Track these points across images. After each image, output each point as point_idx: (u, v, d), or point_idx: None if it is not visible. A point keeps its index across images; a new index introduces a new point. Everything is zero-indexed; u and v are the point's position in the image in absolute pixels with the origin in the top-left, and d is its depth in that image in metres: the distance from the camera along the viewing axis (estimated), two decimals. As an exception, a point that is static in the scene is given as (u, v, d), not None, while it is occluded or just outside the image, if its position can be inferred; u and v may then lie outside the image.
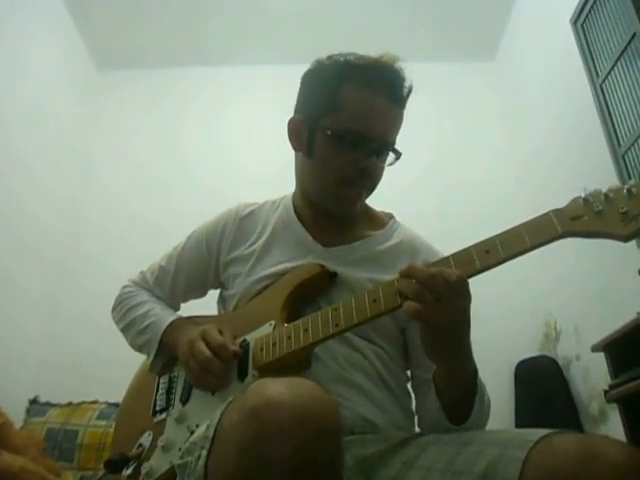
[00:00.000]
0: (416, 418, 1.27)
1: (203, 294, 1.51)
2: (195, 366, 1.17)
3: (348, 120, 1.23)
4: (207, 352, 1.16)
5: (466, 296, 0.96)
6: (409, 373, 1.33)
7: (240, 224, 1.43)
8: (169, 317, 1.37)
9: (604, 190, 0.91)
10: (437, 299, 0.92)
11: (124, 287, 1.51)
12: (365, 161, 1.24)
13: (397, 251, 1.33)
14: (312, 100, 1.31)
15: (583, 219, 0.91)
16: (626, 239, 0.88)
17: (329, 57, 1.31)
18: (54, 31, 3.94)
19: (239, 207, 1.47)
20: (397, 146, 1.31)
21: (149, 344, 1.35)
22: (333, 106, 1.25)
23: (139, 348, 1.41)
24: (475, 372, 1.06)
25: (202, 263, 1.44)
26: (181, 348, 1.23)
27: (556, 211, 0.94)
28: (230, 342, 1.18)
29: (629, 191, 0.88)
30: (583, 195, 0.93)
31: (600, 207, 0.90)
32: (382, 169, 1.32)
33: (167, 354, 1.34)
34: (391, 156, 1.32)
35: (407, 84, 1.27)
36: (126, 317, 1.43)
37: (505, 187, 3.98)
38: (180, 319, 1.38)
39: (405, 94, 1.27)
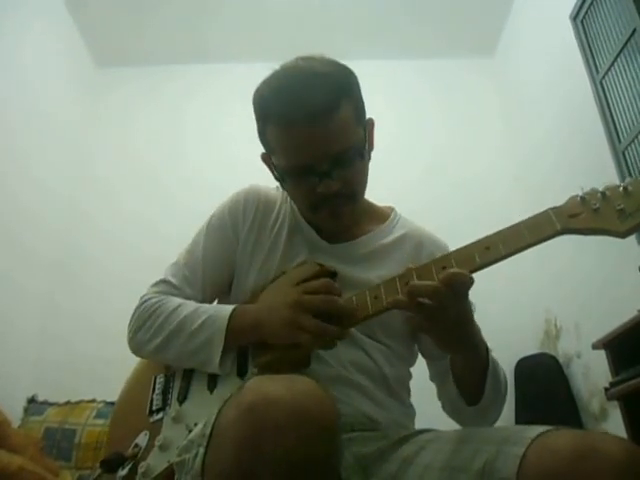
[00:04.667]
0: (415, 417, 1.28)
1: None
2: (312, 321, 1.07)
3: (283, 158, 1.21)
4: (321, 300, 1.10)
5: (467, 292, 0.98)
6: (427, 366, 1.35)
7: (257, 208, 1.37)
8: (227, 306, 1.21)
9: (600, 189, 0.94)
10: (443, 308, 0.95)
11: (145, 301, 1.29)
12: (320, 186, 1.19)
13: (402, 243, 1.33)
14: (259, 139, 1.29)
15: (581, 216, 0.94)
16: (624, 235, 0.90)
17: (259, 86, 1.26)
18: (53, 28, 3.94)
19: (254, 189, 1.41)
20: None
21: (210, 343, 1.16)
22: (268, 148, 1.26)
23: (193, 353, 1.19)
24: (487, 350, 1.10)
25: (230, 243, 1.35)
26: (275, 324, 1.12)
27: (555, 209, 0.97)
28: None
29: (625, 189, 0.91)
30: (580, 194, 0.95)
31: (597, 205, 0.92)
32: (353, 175, 1.23)
33: (234, 345, 1.18)
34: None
35: (329, 82, 1.18)
36: (165, 327, 1.22)
37: (505, 184, 3.97)
38: (240, 305, 1.23)
39: (330, 98, 1.17)
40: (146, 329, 1.25)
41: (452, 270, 0.96)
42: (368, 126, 1.28)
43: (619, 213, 0.90)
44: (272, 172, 1.32)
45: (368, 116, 1.29)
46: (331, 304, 1.09)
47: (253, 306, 1.20)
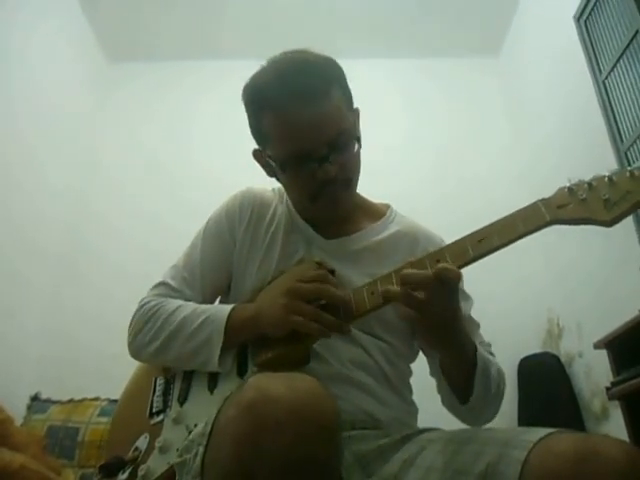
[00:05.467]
0: (418, 415, 1.29)
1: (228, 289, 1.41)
2: (310, 311, 1.09)
3: (281, 147, 1.22)
4: (314, 286, 1.11)
5: (456, 287, 1.00)
6: (427, 362, 1.35)
7: (253, 209, 1.39)
8: (226, 306, 1.23)
9: (587, 179, 0.96)
10: (431, 301, 0.97)
11: (145, 304, 1.30)
12: (319, 171, 1.20)
13: (396, 239, 1.34)
14: (252, 134, 1.32)
15: (569, 207, 0.96)
16: (610, 224, 0.92)
17: (250, 80, 1.28)
18: (65, 23, 3.94)
19: (250, 191, 1.43)
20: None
21: (209, 342, 1.17)
22: (264, 139, 1.27)
23: (192, 353, 1.19)
24: (475, 349, 1.10)
25: (227, 245, 1.36)
26: (275, 303, 1.13)
27: (544, 200, 1.00)
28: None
29: (610, 179, 0.93)
30: (568, 185, 0.98)
31: (584, 195, 0.95)
32: (349, 159, 1.25)
33: (233, 343, 1.19)
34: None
35: (318, 68, 1.22)
36: (165, 329, 1.23)
37: (508, 183, 3.97)
38: (240, 303, 1.25)
39: (321, 82, 1.20)
40: (146, 332, 1.25)
41: (440, 265, 0.98)
42: (356, 115, 1.32)
43: (605, 202, 0.91)
44: (265, 168, 1.34)
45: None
46: (325, 292, 1.10)
47: (252, 304, 1.21)
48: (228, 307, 1.21)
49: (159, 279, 1.36)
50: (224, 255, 1.35)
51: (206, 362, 1.17)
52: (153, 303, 1.29)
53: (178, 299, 1.30)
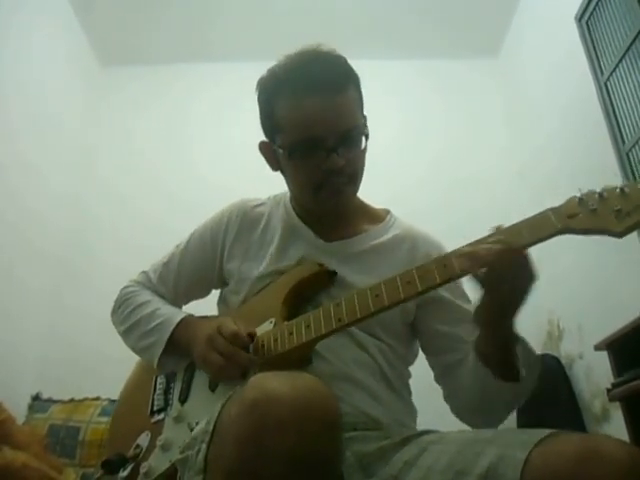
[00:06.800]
0: (418, 416, 1.29)
1: (206, 293, 1.50)
2: (217, 359, 1.13)
3: (292, 134, 1.24)
4: (227, 344, 1.13)
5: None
6: (431, 365, 1.34)
7: (243, 219, 1.42)
8: (178, 315, 1.32)
9: (598, 190, 0.96)
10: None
11: (125, 287, 1.46)
12: (326, 161, 1.22)
13: (396, 243, 1.34)
14: (262, 124, 1.34)
15: (579, 217, 0.95)
16: (621, 235, 0.92)
17: (266, 71, 1.32)
18: (58, 27, 3.93)
19: (242, 202, 1.47)
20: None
21: (155, 345, 1.30)
22: (276, 127, 1.28)
23: (142, 350, 1.35)
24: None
25: (206, 258, 1.42)
26: (198, 345, 1.20)
27: (554, 209, 0.99)
28: (244, 331, 1.16)
29: (622, 190, 0.93)
30: (579, 195, 0.97)
31: (595, 206, 0.94)
32: (356, 155, 1.28)
33: (176, 353, 1.29)
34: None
35: (339, 63, 1.26)
36: (130, 318, 1.38)
37: (508, 184, 3.97)
38: (190, 316, 1.34)
39: (340, 76, 1.25)
40: (118, 314, 1.42)
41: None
42: (365, 120, 1.32)
43: (616, 213, 0.91)
44: (271, 160, 1.35)
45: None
46: (233, 355, 1.12)
47: (195, 324, 1.28)
48: (175, 320, 1.30)
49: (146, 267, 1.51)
50: (202, 264, 1.43)
51: (151, 362, 1.31)
52: (130, 290, 1.44)
53: (151, 290, 1.44)
